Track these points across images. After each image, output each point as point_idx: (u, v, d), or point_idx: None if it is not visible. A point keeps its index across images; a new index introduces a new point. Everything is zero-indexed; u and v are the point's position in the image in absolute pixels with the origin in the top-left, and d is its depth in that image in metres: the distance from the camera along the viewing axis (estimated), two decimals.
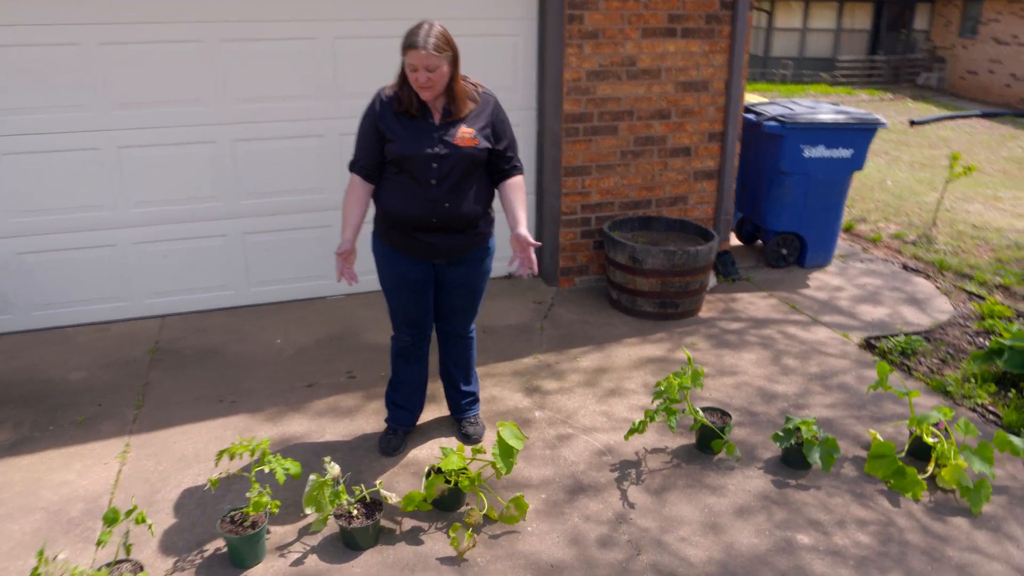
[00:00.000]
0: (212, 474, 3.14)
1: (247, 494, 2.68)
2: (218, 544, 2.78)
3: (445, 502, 2.90)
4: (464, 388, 3.41)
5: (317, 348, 4.31)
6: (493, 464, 2.85)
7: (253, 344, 4.36)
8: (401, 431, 3.36)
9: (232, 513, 2.72)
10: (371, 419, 3.58)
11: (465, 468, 2.82)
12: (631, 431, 3.17)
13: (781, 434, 3.14)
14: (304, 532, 2.84)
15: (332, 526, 2.83)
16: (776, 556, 2.71)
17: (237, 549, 2.63)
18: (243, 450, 2.66)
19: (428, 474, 2.93)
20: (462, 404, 3.44)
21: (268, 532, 2.82)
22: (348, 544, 2.74)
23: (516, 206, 2.95)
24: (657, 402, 3.29)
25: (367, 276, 4.07)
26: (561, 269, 5.10)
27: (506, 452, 2.80)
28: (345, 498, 2.75)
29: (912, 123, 12.78)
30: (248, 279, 4.80)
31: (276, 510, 2.72)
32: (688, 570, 2.64)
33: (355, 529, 2.70)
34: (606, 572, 2.64)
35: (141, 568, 2.53)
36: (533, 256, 2.89)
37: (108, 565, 2.50)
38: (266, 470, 2.67)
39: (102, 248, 4.47)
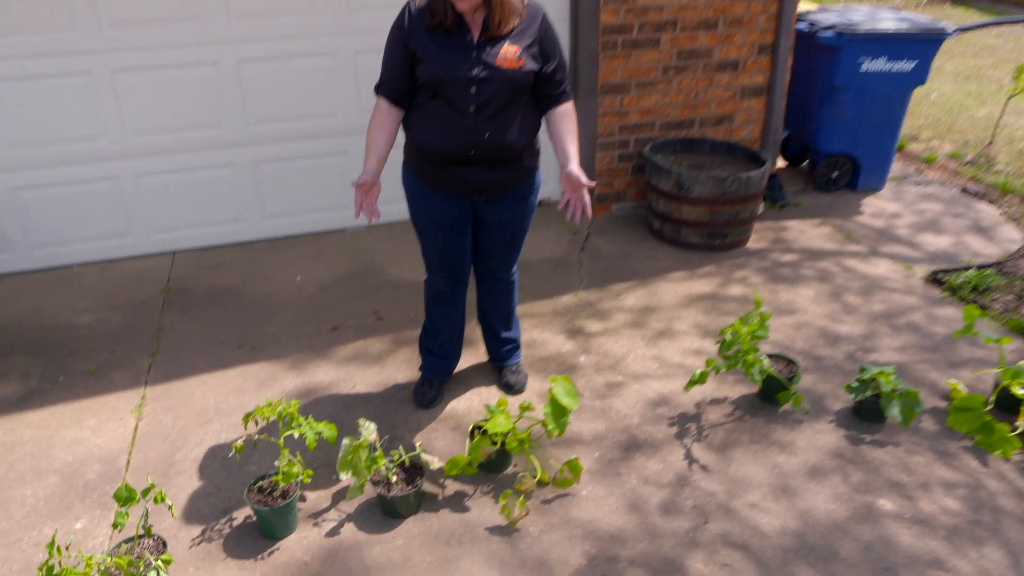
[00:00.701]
0: (236, 435, 2.90)
1: (276, 462, 2.44)
2: (247, 511, 2.56)
3: (491, 464, 2.66)
4: (504, 335, 3.13)
5: (340, 286, 4.02)
6: (544, 423, 2.59)
7: (271, 282, 4.07)
8: (437, 381, 3.10)
9: (260, 482, 2.49)
10: (402, 367, 3.31)
11: (513, 429, 2.56)
12: (691, 382, 2.89)
13: (855, 385, 2.85)
14: (339, 497, 2.61)
15: (370, 491, 2.60)
16: (857, 525, 2.47)
17: (267, 521, 2.41)
18: (269, 413, 2.40)
19: (472, 434, 2.68)
20: (502, 352, 3.17)
21: (303, 499, 2.60)
22: (388, 512, 2.51)
23: (566, 139, 2.59)
24: (719, 355, 3.00)
25: (389, 206, 3.72)
26: (597, 196, 4.75)
27: (559, 412, 2.53)
28: (383, 463, 2.51)
29: (956, 31, 12.03)
30: (261, 211, 4.47)
31: (308, 479, 2.49)
32: (761, 542, 2.41)
33: (395, 498, 2.46)
34: (672, 544, 2.41)
35: (164, 545, 2.31)
36: (587, 198, 2.56)
37: (128, 541, 2.28)
38: (296, 435, 2.42)
39: (102, 181, 4.14)
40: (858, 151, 5.01)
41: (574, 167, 2.53)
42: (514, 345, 3.17)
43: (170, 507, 2.28)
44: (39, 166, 4.01)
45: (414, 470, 2.57)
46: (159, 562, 2.17)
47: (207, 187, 4.31)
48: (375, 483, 2.51)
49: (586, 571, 2.32)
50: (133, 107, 4.03)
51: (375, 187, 2.56)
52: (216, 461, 2.79)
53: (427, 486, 2.63)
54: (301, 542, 2.44)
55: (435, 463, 2.53)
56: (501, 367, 3.18)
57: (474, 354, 3.37)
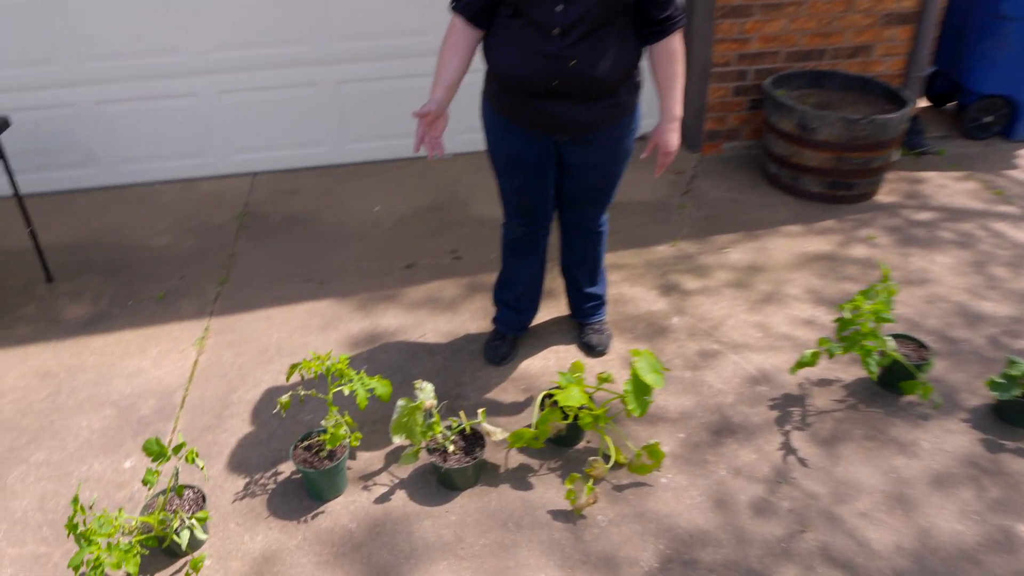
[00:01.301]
0: (295, 380, 2.73)
1: (323, 422, 2.24)
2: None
3: (561, 439, 2.39)
4: (588, 290, 2.81)
5: (418, 219, 3.77)
6: (623, 400, 2.28)
7: (348, 211, 3.86)
8: (511, 336, 2.83)
9: (307, 441, 2.30)
10: (476, 316, 3.05)
11: (588, 402, 2.27)
12: (799, 364, 2.51)
13: (1001, 381, 2.40)
14: (393, 459, 2.40)
15: (425, 458, 2.38)
16: (990, 554, 2.07)
17: (313, 482, 2.22)
18: (316, 368, 2.19)
19: (542, 403, 2.41)
20: (585, 308, 2.85)
21: (353, 457, 2.40)
22: (442, 483, 2.29)
23: (670, 84, 2.22)
24: (836, 335, 2.58)
25: (476, 134, 3.40)
26: (707, 133, 4.27)
27: (641, 390, 2.22)
28: (440, 430, 2.27)
29: None
30: (343, 134, 4.23)
31: (357, 442, 2.28)
32: (869, 562, 2.06)
33: (452, 470, 2.23)
34: (760, 553, 2.09)
35: (203, 499, 2.16)
36: (668, 162, 2.23)
37: (164, 493, 2.14)
38: (345, 392, 2.20)
39: (184, 98, 3.98)
40: (1020, 93, 4.30)
41: (669, 130, 2.18)
42: (599, 302, 2.85)
43: (202, 468, 2.12)
44: (121, 79, 3.88)
45: (474, 439, 2.32)
46: (193, 520, 2.02)
47: (288, 107, 4.10)
48: (430, 451, 2.28)
49: (657, 575, 2.04)
50: (214, 20, 3.81)
51: (441, 118, 2.24)
52: (271, 406, 2.63)
53: (488, 454, 2.39)
54: (348, 507, 2.25)
55: (498, 434, 2.28)
56: (583, 324, 2.87)
57: (554, 306, 3.07)
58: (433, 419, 2.25)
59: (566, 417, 2.30)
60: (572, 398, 2.23)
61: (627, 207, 3.74)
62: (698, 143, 4.31)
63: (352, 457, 2.41)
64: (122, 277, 3.40)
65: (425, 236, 3.63)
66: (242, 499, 2.29)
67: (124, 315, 3.16)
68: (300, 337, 2.97)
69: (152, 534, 2.02)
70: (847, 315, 2.44)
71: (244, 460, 2.43)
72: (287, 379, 2.30)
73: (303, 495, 2.29)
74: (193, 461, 2.02)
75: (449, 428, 2.32)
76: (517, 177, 2.44)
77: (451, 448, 2.27)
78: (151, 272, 3.42)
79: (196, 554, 2.11)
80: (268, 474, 2.37)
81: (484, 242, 3.54)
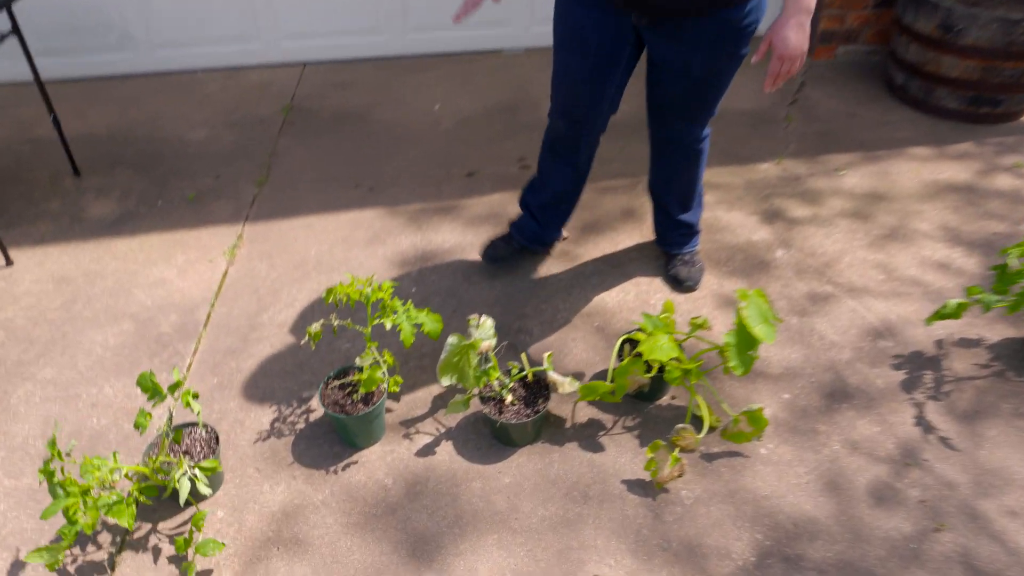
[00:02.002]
0: (321, 308, 2.38)
1: (358, 359, 1.89)
2: None
3: (641, 394, 1.99)
4: (680, 217, 2.35)
5: (484, 121, 3.32)
6: (722, 352, 1.86)
7: (405, 109, 3.43)
8: (520, 244, 2.43)
9: (341, 380, 1.95)
10: None
11: (679, 354, 1.85)
12: (938, 315, 2.04)
13: None
14: (438, 405, 2.05)
15: (478, 406, 2.02)
16: None
17: (345, 428, 1.89)
18: (353, 295, 1.81)
19: (620, 350, 2.00)
20: (674, 237, 2.41)
21: (395, 398, 2.06)
22: (497, 437, 1.93)
23: None
24: (993, 288, 2.09)
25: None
26: (821, 33, 3.66)
27: (746, 343, 1.79)
28: (498, 377, 1.90)
29: None
30: (405, 22, 3.76)
31: (396, 388, 1.92)
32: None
33: (509, 425, 1.86)
34: (882, 554, 1.69)
35: (216, 440, 1.85)
36: (787, 72, 1.72)
37: (176, 428, 1.83)
38: (387, 325, 1.83)
39: None
40: None
41: (792, 26, 1.68)
42: (690, 231, 2.39)
43: (197, 413, 1.79)
44: None
45: (537, 389, 1.94)
46: (196, 471, 1.71)
47: None
48: (484, 399, 1.91)
49: (752, 573, 1.66)
50: None
51: None
52: (304, 331, 2.29)
53: (553, 406, 2.01)
54: (385, 457, 1.92)
55: (567, 386, 1.89)
56: (670, 254, 2.43)
57: (637, 229, 2.63)
58: (490, 364, 1.87)
59: (649, 369, 1.90)
60: (660, 350, 1.81)
61: (724, 117, 3.21)
62: (810, 45, 3.69)
63: (394, 398, 2.06)
64: (153, 173, 3.07)
65: (490, 140, 3.19)
66: (264, 440, 1.98)
67: (152, 216, 2.83)
68: (342, 251, 2.61)
69: (149, 483, 1.73)
70: (1015, 262, 1.94)
71: (269, 392, 2.11)
72: (326, 301, 1.93)
73: (334, 440, 1.97)
74: (188, 404, 1.69)
75: (508, 374, 1.94)
76: (575, 58, 1.96)
77: (509, 398, 1.90)
78: (185, 169, 3.08)
79: (202, 507, 1.81)
80: (297, 411, 2.05)
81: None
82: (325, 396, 1.90)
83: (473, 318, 1.87)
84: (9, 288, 2.53)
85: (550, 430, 1.97)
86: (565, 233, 2.55)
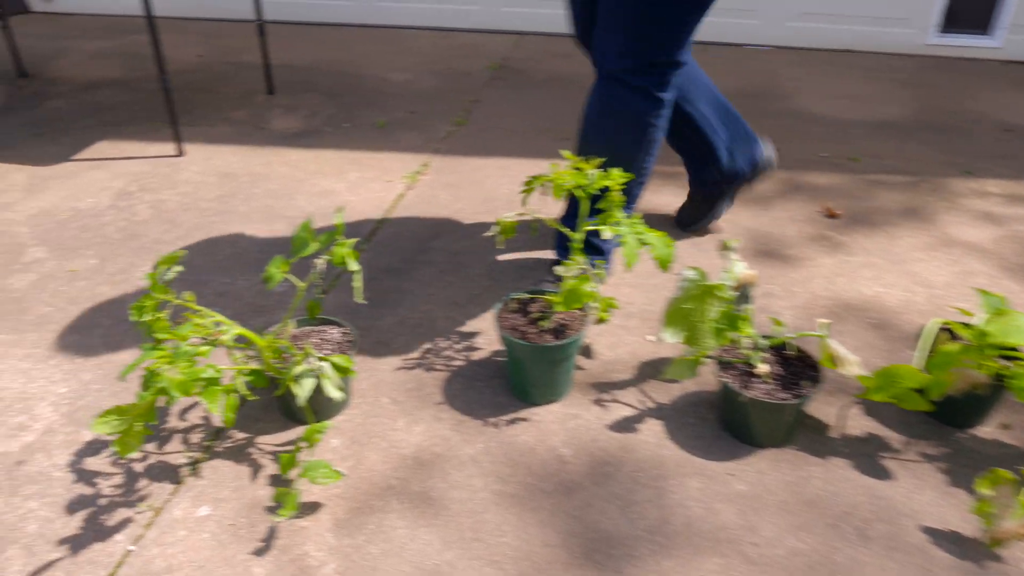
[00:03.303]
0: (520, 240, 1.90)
1: (555, 268, 1.36)
2: (496, 346, 1.56)
3: (962, 406, 1.33)
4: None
5: None
6: None
7: None
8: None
9: (527, 302, 1.43)
10: (795, 216, 2.04)
11: None
12: None
13: None
14: (650, 368, 1.48)
15: (707, 377, 1.44)
16: None
17: (521, 367, 1.36)
18: (560, 181, 1.30)
19: (934, 337, 1.36)
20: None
21: (587, 354, 1.52)
22: (730, 422, 1.33)
23: None
24: None
25: (804, 23, 2.34)
26: None
27: None
28: (750, 334, 1.31)
29: None
30: None
31: (607, 315, 1.38)
32: None
33: (757, 404, 1.26)
34: None
35: (351, 347, 1.38)
36: None
37: (312, 302, 1.38)
38: (605, 234, 1.30)
39: None
40: None
41: None
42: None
43: (357, 285, 1.32)
44: None
45: (801, 367, 1.33)
46: (325, 365, 1.24)
47: None
48: (723, 365, 1.33)
49: None
50: None
51: None
52: (480, 262, 1.82)
53: (819, 399, 1.39)
54: (565, 422, 1.37)
55: (853, 366, 1.27)
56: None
57: (922, 229, 1.98)
58: (742, 313, 1.29)
59: (980, 369, 1.24)
60: (1020, 331, 1.16)
61: None
62: None
63: (586, 354, 1.52)
64: (345, 100, 2.78)
65: None
66: (410, 369, 1.49)
67: (334, 135, 2.51)
68: (537, 195, 2.14)
69: (261, 368, 1.27)
70: None
71: (427, 319, 1.63)
72: (526, 194, 1.43)
73: (500, 387, 1.45)
74: (342, 262, 1.21)
75: (766, 337, 1.35)
76: None
77: (761, 368, 1.30)
78: (378, 101, 2.77)
79: (318, 422, 1.33)
80: (457, 346, 1.56)
81: (809, 139, 2.50)
82: (502, 319, 1.38)
83: (727, 243, 1.31)
84: (172, 174, 2.25)
85: (809, 433, 1.35)
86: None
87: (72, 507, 1.21)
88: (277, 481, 1.25)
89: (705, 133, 1.79)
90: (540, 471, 1.27)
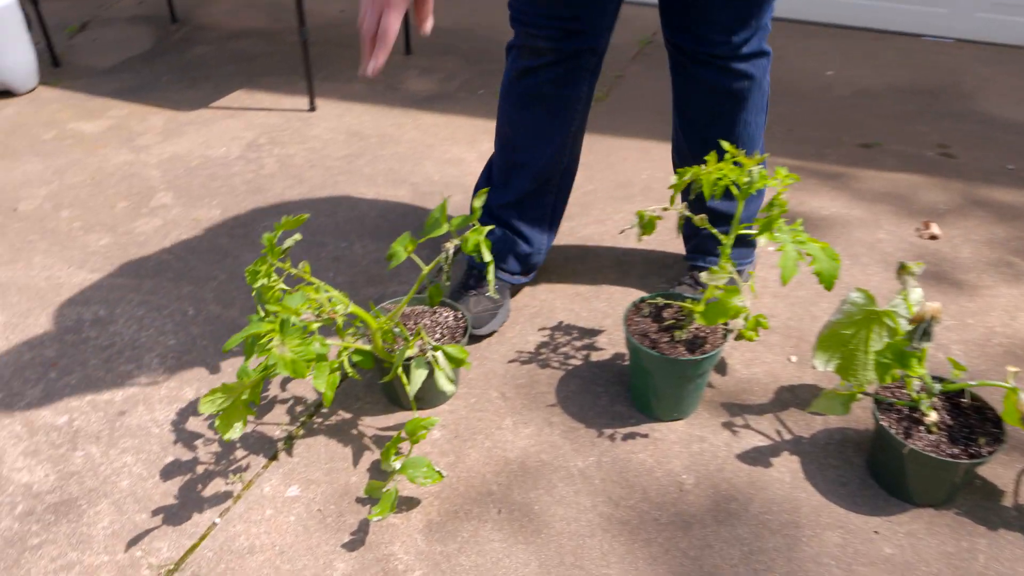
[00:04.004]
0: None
1: (702, 275, 1.20)
2: (621, 346, 1.43)
3: None
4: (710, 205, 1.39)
5: (891, 97, 2.52)
6: None
7: (786, 67, 2.73)
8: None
9: (661, 308, 1.28)
10: (969, 238, 1.79)
11: None
12: None
13: None
14: (787, 396, 1.31)
15: (860, 414, 1.26)
16: None
17: (647, 377, 1.22)
18: (718, 174, 1.15)
19: None
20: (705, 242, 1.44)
21: (721, 371, 1.36)
22: (880, 474, 1.15)
23: None
24: None
25: (1000, 15, 2.02)
26: None
27: None
28: (921, 374, 1.11)
29: None
30: None
31: (755, 334, 1.22)
32: None
33: (924, 459, 1.08)
34: None
35: (464, 335, 1.28)
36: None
37: (433, 285, 1.29)
38: (761, 240, 1.14)
39: None
40: None
41: None
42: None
43: (487, 265, 1.21)
44: None
45: (975, 417, 1.13)
46: (437, 354, 1.14)
47: None
48: (882, 406, 1.14)
49: None
50: None
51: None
52: (608, 255, 1.68)
53: (994, 461, 1.18)
54: (689, 444, 1.22)
55: None
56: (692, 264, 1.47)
57: None
58: (918, 348, 1.10)
59: None
60: None
61: None
62: None
63: (719, 370, 1.36)
64: (483, 66, 2.68)
65: (899, 118, 2.38)
66: (524, 363, 1.38)
67: (469, 101, 2.41)
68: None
69: (370, 350, 1.19)
70: None
71: (548, 309, 1.51)
72: (676, 189, 1.27)
73: (620, 394, 1.31)
74: (476, 251, 1.10)
75: (939, 380, 1.15)
76: None
77: (930, 416, 1.11)
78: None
79: (424, 414, 1.25)
80: (577, 342, 1.43)
81: (994, 148, 2.20)
82: (631, 323, 1.25)
83: (907, 268, 1.12)
84: (302, 129, 2.22)
85: (973, 497, 1.15)
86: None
87: (166, 468, 1.18)
88: (373, 471, 1.17)
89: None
90: (656, 497, 1.14)
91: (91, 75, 2.57)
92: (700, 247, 1.53)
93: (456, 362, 1.17)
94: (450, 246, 1.13)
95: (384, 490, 1.07)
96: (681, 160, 1.48)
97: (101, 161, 2.05)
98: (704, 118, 1.38)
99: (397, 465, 1.07)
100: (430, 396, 1.26)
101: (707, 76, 1.33)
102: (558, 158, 1.40)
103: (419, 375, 1.15)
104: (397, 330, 1.22)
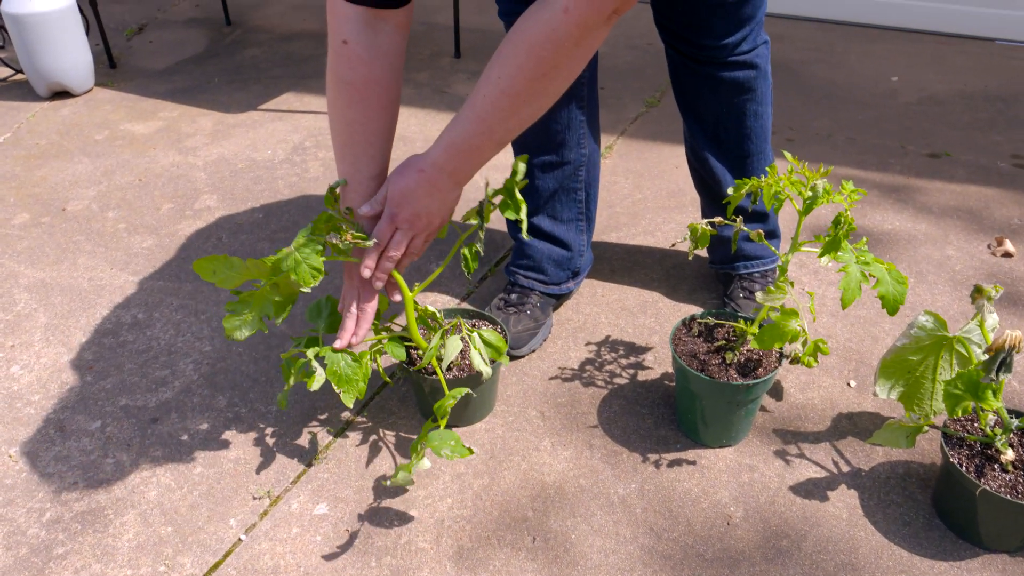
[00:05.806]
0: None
1: (760, 295, 1.12)
2: (667, 367, 1.36)
3: None
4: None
5: (960, 104, 2.39)
6: None
7: (848, 72, 2.62)
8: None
9: (712, 328, 1.21)
10: None
11: None
12: None
13: None
14: (845, 423, 1.23)
15: (928, 441, 1.17)
16: None
17: (695, 401, 1.15)
18: (781, 186, 1.07)
19: None
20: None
21: (777, 396, 1.28)
22: (949, 514, 1.06)
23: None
24: None
25: None
26: None
27: None
28: (997, 407, 1.02)
29: None
30: None
31: (814, 361, 1.14)
32: None
33: (997, 500, 0.99)
34: None
35: (503, 339, 1.22)
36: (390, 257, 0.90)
37: (451, 315, 1.25)
38: (825, 261, 1.06)
39: None
40: None
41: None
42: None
43: (519, 224, 1.15)
44: None
45: None
46: (477, 334, 1.11)
47: None
48: (951, 440, 1.05)
49: None
50: None
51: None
52: (658, 268, 1.61)
53: None
54: (739, 473, 1.15)
55: None
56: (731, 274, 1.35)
57: None
58: (995, 381, 1.00)
59: None
60: None
61: None
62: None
63: (774, 394, 1.28)
64: None
65: (969, 126, 2.25)
66: (566, 380, 1.32)
67: None
68: None
69: (399, 333, 1.16)
70: None
71: (592, 323, 1.45)
72: (731, 203, 1.20)
73: (665, 416, 1.25)
74: (519, 214, 1.04)
75: (1016, 415, 1.06)
76: None
77: (1006, 454, 1.02)
78: None
79: (460, 431, 1.20)
80: (623, 360, 1.37)
81: None
82: (680, 342, 1.18)
83: (984, 292, 1.03)
84: None
85: None
86: None
87: (194, 478, 1.15)
88: (403, 492, 1.12)
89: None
90: (701, 531, 1.07)
91: (145, 77, 2.60)
92: (738, 254, 1.46)
93: (494, 350, 1.13)
94: (489, 196, 1.08)
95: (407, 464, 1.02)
96: (697, 160, 1.42)
97: (149, 162, 2.05)
98: (714, 115, 1.33)
99: (424, 448, 1.02)
100: (466, 412, 1.21)
101: (711, 73, 1.28)
102: (576, 149, 1.35)
103: (453, 345, 1.12)
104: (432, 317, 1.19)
